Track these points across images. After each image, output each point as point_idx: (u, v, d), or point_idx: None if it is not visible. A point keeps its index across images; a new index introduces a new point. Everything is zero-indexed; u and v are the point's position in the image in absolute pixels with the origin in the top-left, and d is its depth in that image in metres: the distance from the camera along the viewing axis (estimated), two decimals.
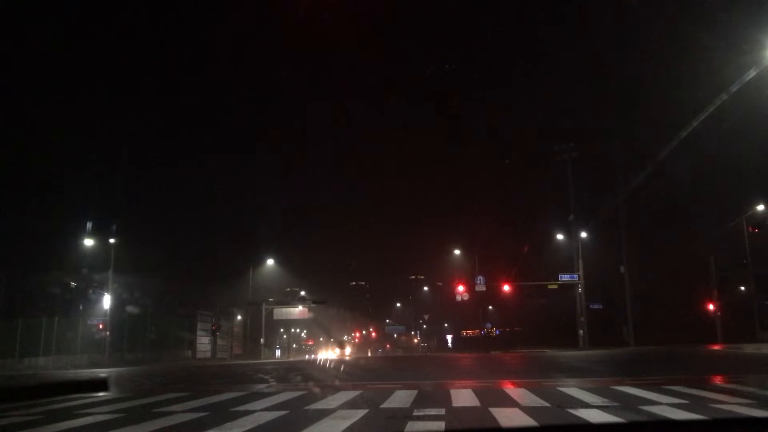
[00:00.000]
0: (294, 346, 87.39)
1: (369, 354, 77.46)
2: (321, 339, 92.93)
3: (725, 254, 41.60)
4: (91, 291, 36.07)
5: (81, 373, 25.25)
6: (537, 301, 53.88)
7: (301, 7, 39.10)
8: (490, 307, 63.51)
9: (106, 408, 9.02)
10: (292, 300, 59.87)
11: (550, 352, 35.09)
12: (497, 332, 65.76)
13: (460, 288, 45.59)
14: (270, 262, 55.21)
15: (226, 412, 8.05)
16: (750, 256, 39.03)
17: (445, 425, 6.64)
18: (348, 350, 76.83)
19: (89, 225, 34.19)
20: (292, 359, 51.64)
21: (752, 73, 19.76)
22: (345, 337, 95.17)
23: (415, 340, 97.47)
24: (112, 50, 58.74)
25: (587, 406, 7.88)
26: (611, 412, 7.26)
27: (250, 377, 16.84)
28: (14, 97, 42.97)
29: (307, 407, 8.52)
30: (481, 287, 43.76)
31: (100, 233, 34.84)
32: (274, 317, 57.28)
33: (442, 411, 7.72)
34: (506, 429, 6.81)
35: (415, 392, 10.07)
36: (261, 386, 12.87)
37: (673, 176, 40.53)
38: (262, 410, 8.17)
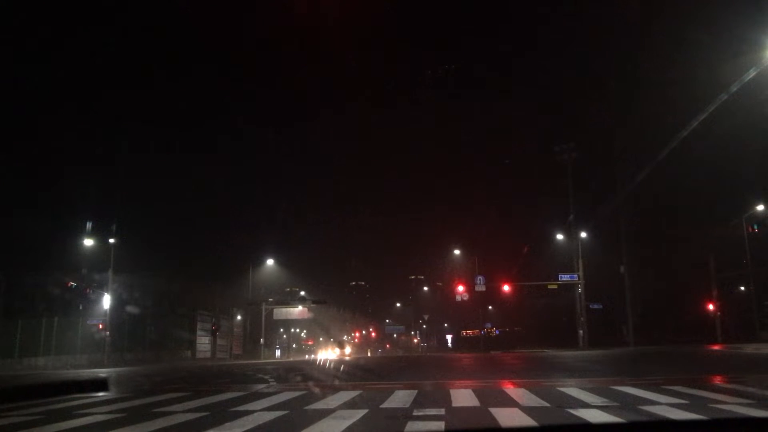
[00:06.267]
0: (294, 346, 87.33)
1: (369, 354, 77.45)
2: (321, 339, 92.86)
3: (725, 254, 41.62)
4: (90, 291, 36.05)
5: (81, 373, 25.24)
6: (537, 301, 53.89)
7: (301, 7, 39.08)
8: (490, 307, 63.55)
9: (106, 408, 9.03)
10: (292, 300, 59.87)
11: (550, 352, 35.10)
12: (497, 332, 65.86)
13: (460, 288, 45.60)
14: (270, 262, 55.23)
15: (225, 412, 8.05)
16: (750, 256, 39.06)
17: (445, 425, 6.64)
18: (348, 350, 76.72)
19: (89, 225, 34.20)
20: (291, 359, 51.63)
21: (752, 73, 19.75)
22: (345, 337, 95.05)
23: (415, 340, 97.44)
24: (112, 50, 58.73)
25: (587, 406, 7.88)
26: (611, 412, 7.26)
27: (249, 377, 16.84)
28: (14, 97, 42.98)
29: (306, 407, 8.52)
30: (481, 287, 43.77)
31: (100, 233, 34.86)
32: (274, 317, 57.27)
33: (441, 411, 7.72)
34: (506, 429, 6.81)
35: (414, 392, 10.07)
36: (261, 386, 12.87)
37: (673, 176, 40.54)
38: (261, 410, 8.17)
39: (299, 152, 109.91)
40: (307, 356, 68.88)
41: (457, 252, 56.01)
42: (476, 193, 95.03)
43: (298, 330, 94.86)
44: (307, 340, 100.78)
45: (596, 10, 50.21)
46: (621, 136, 46.56)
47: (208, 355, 48.38)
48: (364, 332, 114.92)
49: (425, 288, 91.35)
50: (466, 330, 74.71)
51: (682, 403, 7.95)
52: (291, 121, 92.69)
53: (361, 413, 7.62)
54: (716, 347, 31.85)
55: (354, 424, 6.86)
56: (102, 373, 24.33)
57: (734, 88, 21.07)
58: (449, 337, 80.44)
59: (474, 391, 10.13)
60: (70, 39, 54.42)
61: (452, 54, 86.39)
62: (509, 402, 8.64)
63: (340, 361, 32.12)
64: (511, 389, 10.75)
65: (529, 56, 77.85)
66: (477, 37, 77.81)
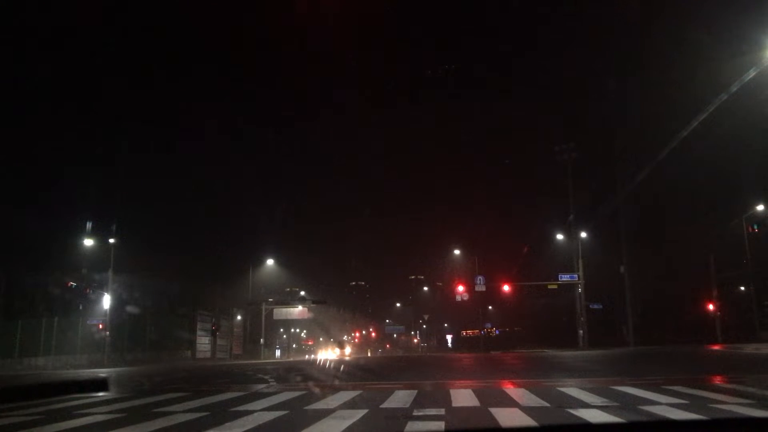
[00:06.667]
0: (294, 346, 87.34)
1: (369, 354, 77.44)
2: (321, 339, 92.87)
3: (725, 254, 41.60)
4: (90, 291, 36.04)
5: (81, 373, 25.24)
6: (537, 301, 53.90)
7: (301, 7, 39.08)
8: (490, 307, 63.53)
9: (106, 408, 9.03)
10: (292, 300, 59.86)
11: (550, 352, 35.09)
12: (497, 332, 65.83)
13: (460, 288, 45.59)
14: (270, 262, 55.23)
15: (225, 412, 8.05)
16: (750, 256, 39.04)
17: (445, 425, 6.64)
18: (348, 350, 76.74)
19: (89, 225, 34.20)
20: (291, 359, 51.62)
21: (752, 73, 19.75)
22: (345, 337, 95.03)
23: (415, 340, 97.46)
24: (112, 50, 58.75)
25: (587, 406, 7.88)
26: (611, 412, 7.26)
27: (249, 377, 16.84)
28: (14, 97, 42.99)
29: (306, 407, 8.52)
30: (481, 287, 43.75)
31: (100, 233, 34.87)
32: (274, 317, 57.25)
33: (441, 411, 7.72)
34: (506, 429, 6.81)
35: (414, 392, 10.07)
36: (261, 386, 12.87)
37: (673, 176, 40.53)
38: (261, 410, 8.17)
39: (299, 152, 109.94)
40: (307, 356, 68.85)
41: (457, 252, 56.02)
42: (476, 193, 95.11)
43: (298, 330, 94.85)
44: (307, 340, 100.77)
45: (596, 10, 50.23)
46: (621, 136, 46.58)
47: (208, 355, 48.37)
48: (364, 332, 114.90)
49: (425, 288, 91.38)
50: (466, 330, 74.68)
51: (682, 403, 7.95)
52: (291, 121, 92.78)
53: (361, 413, 7.62)
54: (716, 347, 31.83)
55: (354, 424, 6.86)
56: (102, 373, 24.32)
57: (734, 88, 21.08)
58: (449, 337, 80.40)
59: (474, 391, 10.13)
60: (71, 39, 54.46)
61: (452, 54, 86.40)
62: (509, 402, 8.64)
63: (340, 361, 32.10)
64: (511, 389, 10.75)
65: (529, 56, 77.85)
66: (477, 37, 77.87)
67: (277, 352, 61.71)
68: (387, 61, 71.64)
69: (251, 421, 7.16)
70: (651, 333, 44.23)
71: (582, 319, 42.05)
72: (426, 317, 76.01)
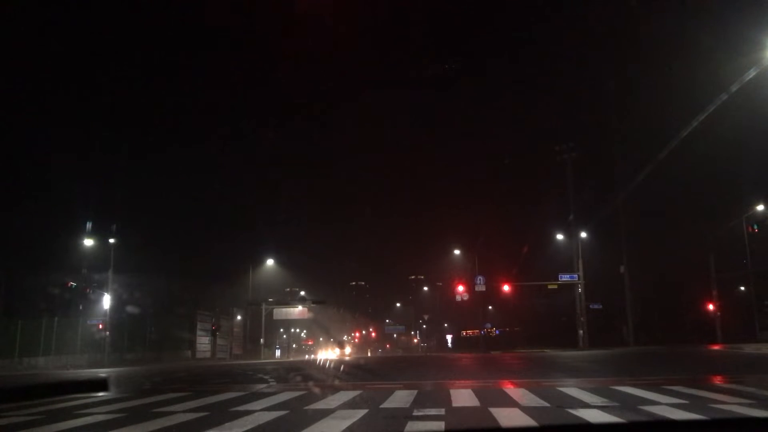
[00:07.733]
0: (294, 346, 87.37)
1: (369, 354, 77.46)
2: (321, 339, 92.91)
3: (725, 254, 41.60)
4: (90, 291, 36.02)
5: (81, 373, 25.25)
6: (537, 301, 53.86)
7: (301, 5, 39.08)
8: (490, 307, 63.52)
9: (106, 408, 9.03)
10: (292, 300, 59.86)
11: (550, 352, 35.08)
12: (497, 332, 65.82)
13: (460, 288, 45.57)
14: (270, 262, 55.24)
15: (226, 412, 8.05)
16: (750, 256, 39.05)
17: (445, 425, 6.64)
18: (348, 350, 76.81)
19: (89, 225, 34.18)
20: (291, 359, 51.64)
21: (752, 73, 19.73)
22: (345, 337, 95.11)
23: (415, 340, 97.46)
24: (112, 50, 58.74)
25: (587, 406, 7.88)
26: (611, 412, 7.26)
27: (249, 377, 16.84)
28: (14, 96, 42.98)
29: (306, 407, 8.53)
30: (480, 287, 43.73)
31: (100, 233, 34.85)
32: (274, 317, 57.27)
33: (442, 411, 7.72)
34: (506, 429, 6.81)
35: (415, 392, 10.07)
36: (261, 386, 12.87)
37: (673, 176, 40.51)
38: (261, 410, 8.17)
39: (299, 152, 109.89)
40: (307, 356, 68.89)
41: (457, 252, 56.00)
42: (476, 193, 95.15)
43: (298, 330, 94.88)
44: (307, 340, 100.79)
45: (596, 10, 50.21)
46: (621, 136, 46.59)
47: (208, 355, 48.39)
48: (364, 332, 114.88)
49: (425, 288, 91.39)
50: (466, 330, 74.69)
51: (682, 403, 7.95)
52: (291, 120, 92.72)
53: (361, 413, 7.63)
54: (716, 347, 31.84)
55: (354, 424, 6.86)
56: (102, 373, 24.32)
57: (734, 88, 21.04)
58: (449, 337, 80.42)
59: (474, 391, 10.13)
60: (71, 39, 54.41)
61: (453, 54, 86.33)
62: (509, 402, 8.64)
63: (340, 361, 32.11)
64: (511, 389, 10.75)
65: (529, 56, 77.94)
66: (477, 37, 77.80)
67: (277, 352, 61.71)
68: (388, 62, 71.62)
69: (251, 421, 7.16)
70: (651, 333, 44.21)
71: (582, 319, 42.04)
72: (426, 317, 75.93)
